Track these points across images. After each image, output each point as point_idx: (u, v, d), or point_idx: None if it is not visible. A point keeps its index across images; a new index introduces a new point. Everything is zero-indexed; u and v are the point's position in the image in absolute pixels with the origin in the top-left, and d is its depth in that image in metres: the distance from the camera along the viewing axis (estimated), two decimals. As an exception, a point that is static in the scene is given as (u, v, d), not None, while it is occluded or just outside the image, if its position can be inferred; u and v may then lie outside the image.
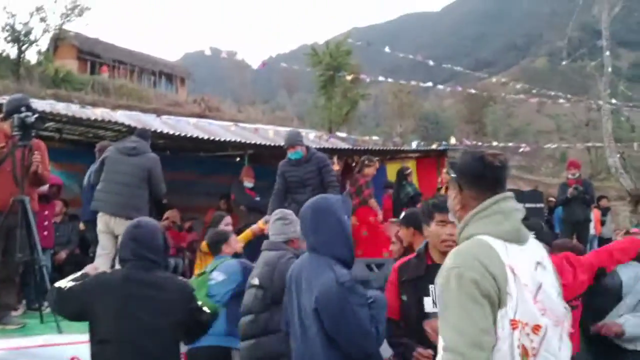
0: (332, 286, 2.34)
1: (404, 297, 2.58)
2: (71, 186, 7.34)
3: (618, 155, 17.03)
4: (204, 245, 4.50)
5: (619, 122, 23.80)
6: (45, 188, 5.47)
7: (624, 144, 18.79)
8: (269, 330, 3.01)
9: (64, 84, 19.87)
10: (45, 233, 5.79)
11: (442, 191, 6.77)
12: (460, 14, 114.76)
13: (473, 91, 23.77)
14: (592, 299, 3.19)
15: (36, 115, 4.33)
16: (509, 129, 37.63)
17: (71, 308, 2.65)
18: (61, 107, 7.95)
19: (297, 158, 5.62)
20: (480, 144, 12.75)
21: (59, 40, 22.93)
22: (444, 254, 1.97)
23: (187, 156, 9.19)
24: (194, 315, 2.69)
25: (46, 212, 5.96)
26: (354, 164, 8.73)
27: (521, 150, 15.28)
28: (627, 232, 7.12)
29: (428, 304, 2.47)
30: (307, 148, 5.81)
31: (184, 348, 3.34)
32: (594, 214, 9.91)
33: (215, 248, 4.06)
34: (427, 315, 2.41)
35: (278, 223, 3.43)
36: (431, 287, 2.42)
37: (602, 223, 10.88)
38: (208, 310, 2.77)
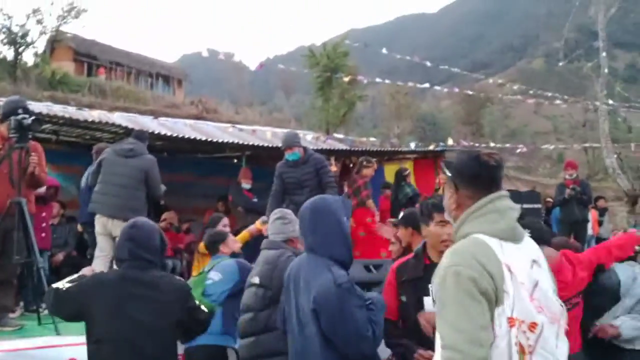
0: (330, 287, 2.34)
1: (403, 298, 2.58)
2: (68, 188, 7.34)
3: (615, 156, 17.07)
4: (201, 246, 4.50)
5: (615, 122, 23.89)
6: (42, 190, 5.45)
7: (621, 145, 18.88)
8: (268, 328, 3.01)
9: (61, 85, 19.85)
10: (43, 235, 5.77)
11: (440, 192, 6.78)
12: (457, 16, 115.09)
13: (470, 92, 23.86)
14: (591, 298, 3.20)
15: (33, 117, 4.31)
16: (506, 130, 37.70)
17: (68, 309, 2.65)
18: (58, 109, 7.94)
19: (294, 159, 5.61)
20: (477, 145, 12.79)
21: (55, 42, 22.91)
22: (443, 253, 1.97)
23: (185, 158, 9.15)
24: (192, 314, 2.68)
25: (43, 214, 5.95)
26: (351, 165, 8.73)
27: (518, 151, 15.36)
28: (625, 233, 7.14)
29: (428, 303, 2.46)
30: (305, 149, 5.79)
31: (181, 348, 3.34)
32: (592, 215, 9.95)
33: (213, 248, 4.06)
34: (427, 315, 2.41)
35: (277, 222, 3.43)
36: (431, 286, 2.42)
37: (600, 223, 10.90)
38: (205, 309, 2.77)
